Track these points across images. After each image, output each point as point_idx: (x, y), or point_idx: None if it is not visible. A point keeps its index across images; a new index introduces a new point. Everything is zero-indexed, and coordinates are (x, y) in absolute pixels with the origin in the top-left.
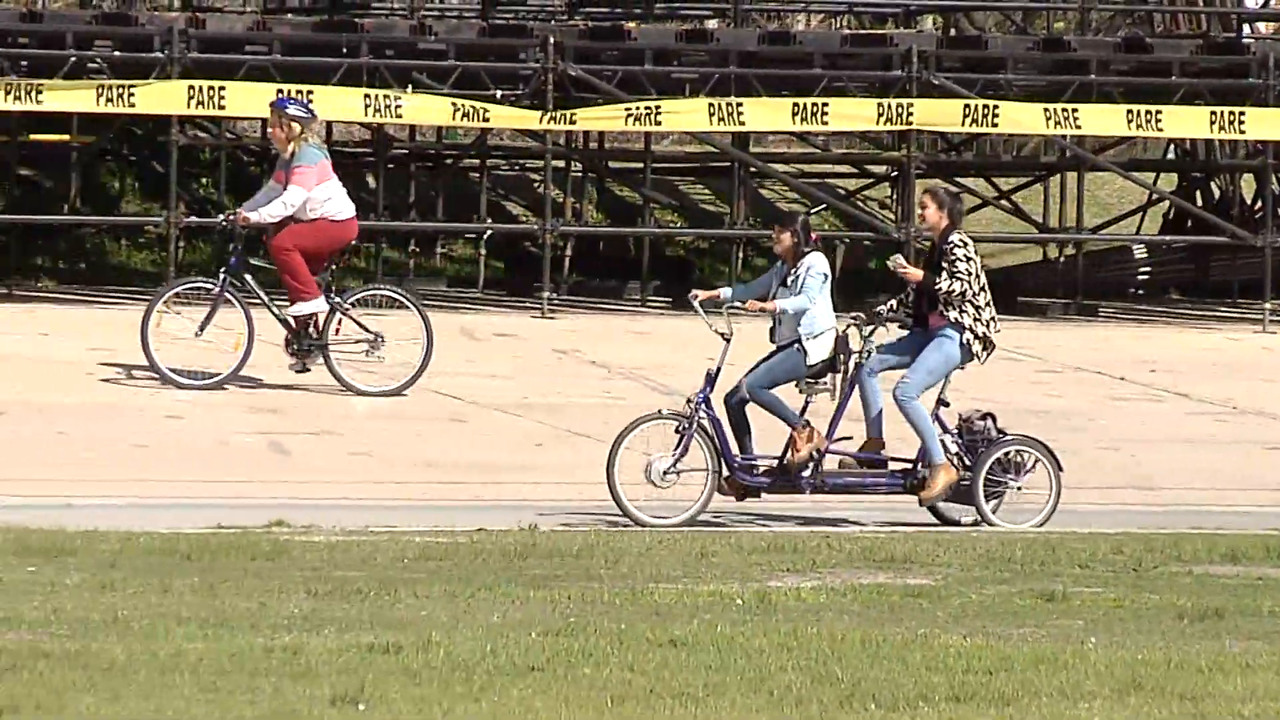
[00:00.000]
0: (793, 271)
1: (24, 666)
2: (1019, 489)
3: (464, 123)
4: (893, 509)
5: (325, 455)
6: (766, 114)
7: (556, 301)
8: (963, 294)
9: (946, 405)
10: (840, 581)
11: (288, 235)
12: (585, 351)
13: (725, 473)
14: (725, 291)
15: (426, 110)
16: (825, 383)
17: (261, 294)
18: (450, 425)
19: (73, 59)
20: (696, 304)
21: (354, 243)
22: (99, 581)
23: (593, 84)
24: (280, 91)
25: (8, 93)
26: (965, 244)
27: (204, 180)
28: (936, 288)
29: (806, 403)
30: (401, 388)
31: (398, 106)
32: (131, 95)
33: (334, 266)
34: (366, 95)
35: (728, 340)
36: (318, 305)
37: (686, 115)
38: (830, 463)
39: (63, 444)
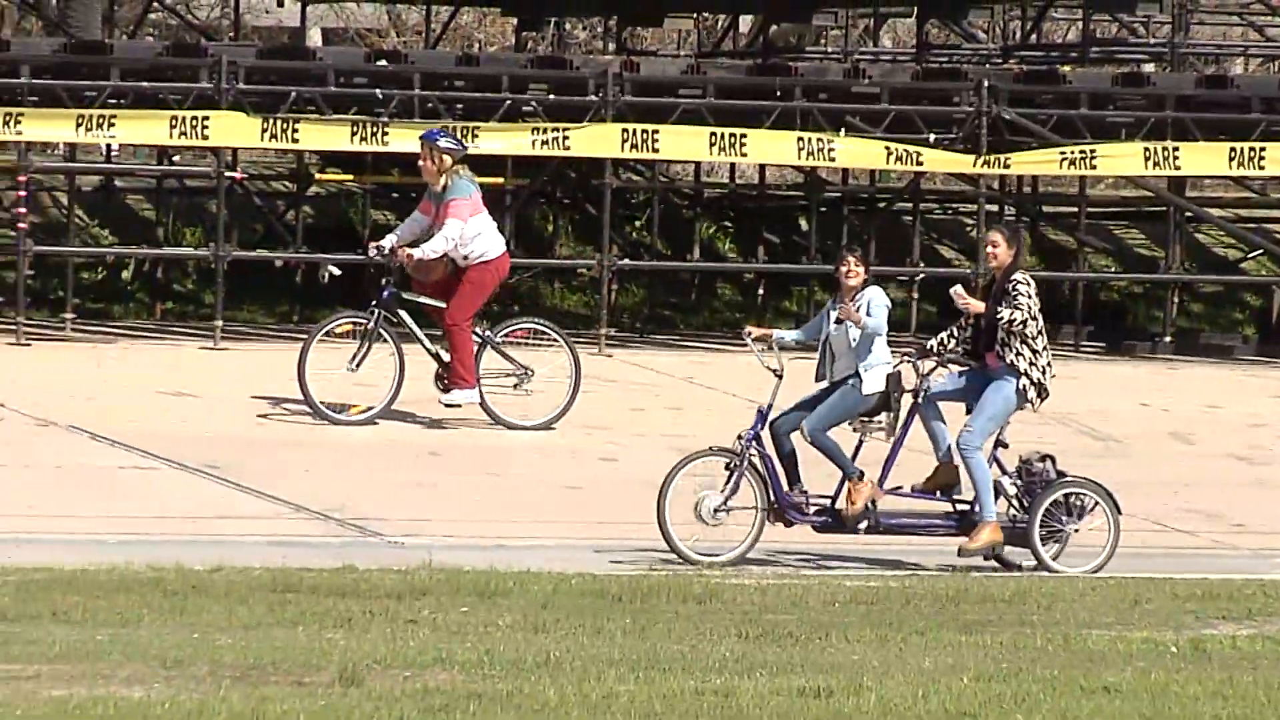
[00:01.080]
0: (851, 306)
1: (457, 707)
2: (1075, 531)
3: (897, 166)
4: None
5: None
6: (1203, 158)
7: None
8: (1024, 323)
9: (1005, 446)
10: (1276, 629)
11: (460, 309)
12: None
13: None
14: (779, 333)
15: (859, 154)
16: (880, 421)
17: (414, 327)
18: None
19: (508, 102)
20: (750, 340)
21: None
22: (531, 623)
23: (1027, 128)
24: (713, 136)
25: None
26: (1028, 282)
27: (636, 223)
28: (998, 318)
29: (860, 441)
30: (550, 422)
31: (830, 150)
32: (567, 138)
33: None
34: (800, 139)
35: (780, 377)
36: (471, 398)
37: (1122, 159)
38: (885, 503)
39: (495, 485)
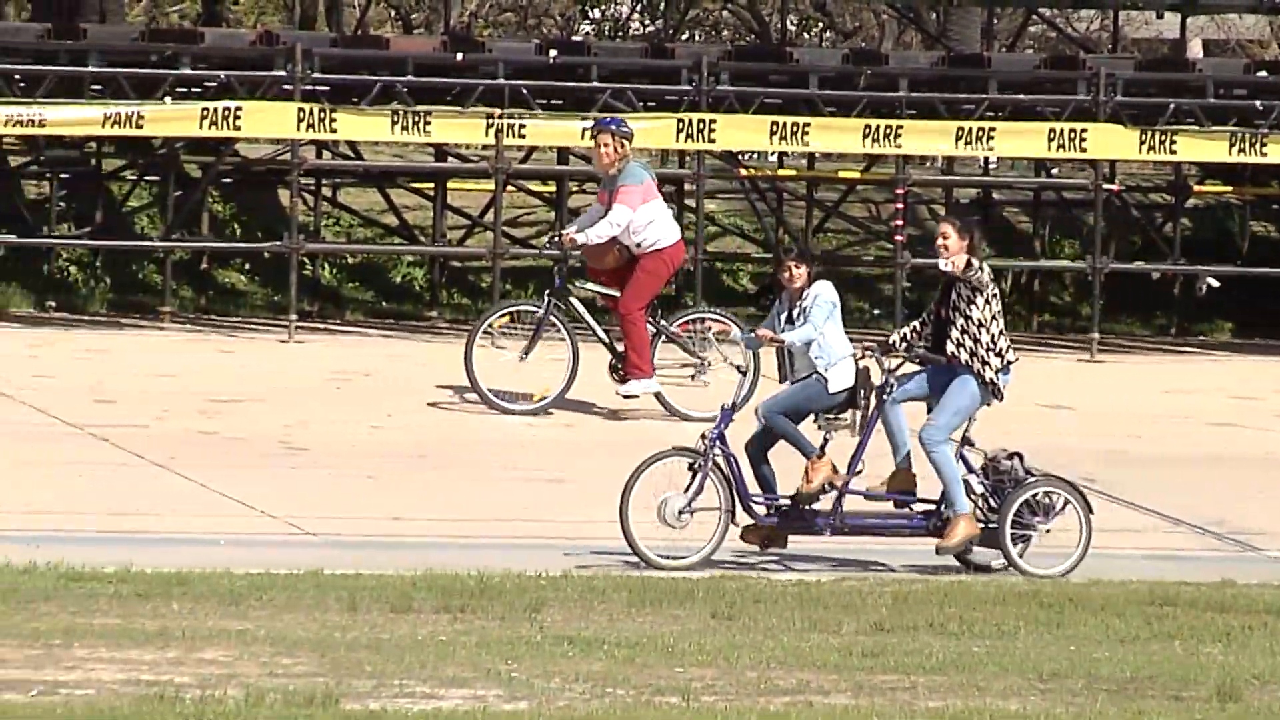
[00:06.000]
0: (798, 304)
1: None
2: (1047, 531)
3: None
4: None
5: None
6: None
7: None
8: (975, 291)
9: (972, 445)
10: None
11: (633, 297)
12: None
13: (741, 516)
14: (738, 330)
15: None
16: (845, 418)
17: (587, 316)
18: None
19: None
20: (711, 337)
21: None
22: None
23: None
24: None
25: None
26: (991, 273)
27: None
28: (966, 273)
29: (825, 439)
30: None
31: None
32: None
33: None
34: None
35: (743, 374)
36: (648, 388)
37: None
38: (851, 503)
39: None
